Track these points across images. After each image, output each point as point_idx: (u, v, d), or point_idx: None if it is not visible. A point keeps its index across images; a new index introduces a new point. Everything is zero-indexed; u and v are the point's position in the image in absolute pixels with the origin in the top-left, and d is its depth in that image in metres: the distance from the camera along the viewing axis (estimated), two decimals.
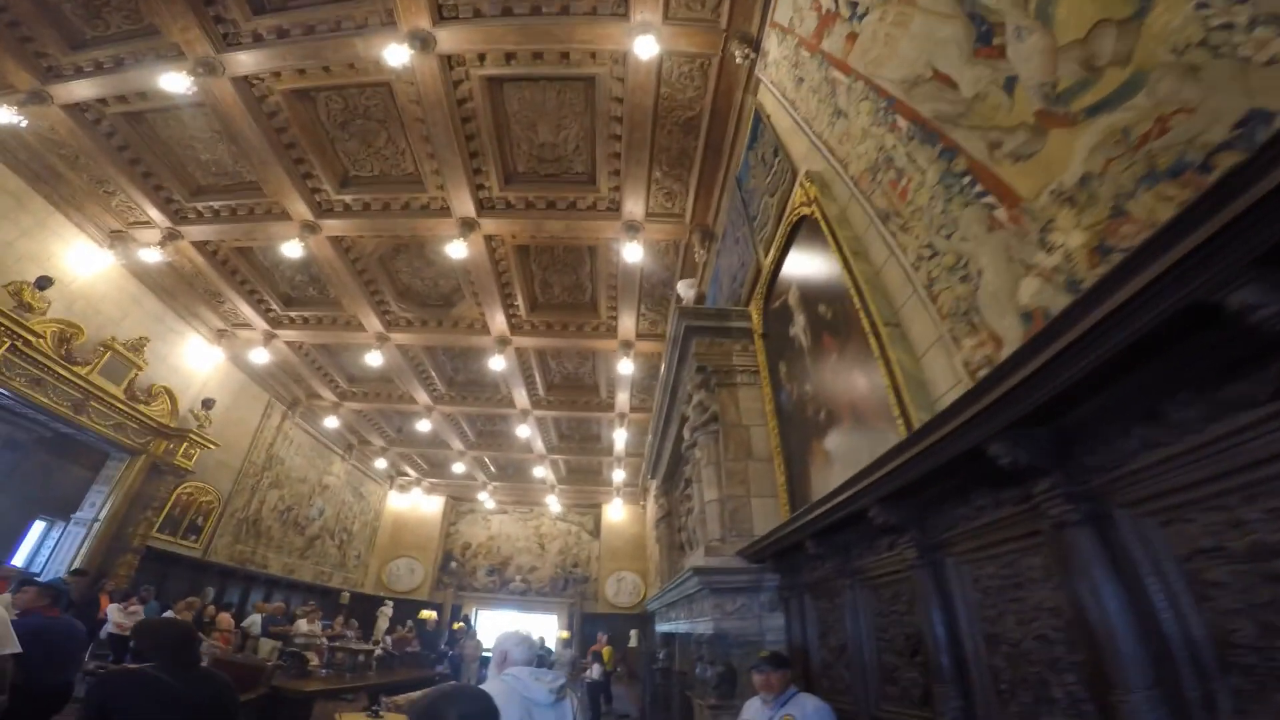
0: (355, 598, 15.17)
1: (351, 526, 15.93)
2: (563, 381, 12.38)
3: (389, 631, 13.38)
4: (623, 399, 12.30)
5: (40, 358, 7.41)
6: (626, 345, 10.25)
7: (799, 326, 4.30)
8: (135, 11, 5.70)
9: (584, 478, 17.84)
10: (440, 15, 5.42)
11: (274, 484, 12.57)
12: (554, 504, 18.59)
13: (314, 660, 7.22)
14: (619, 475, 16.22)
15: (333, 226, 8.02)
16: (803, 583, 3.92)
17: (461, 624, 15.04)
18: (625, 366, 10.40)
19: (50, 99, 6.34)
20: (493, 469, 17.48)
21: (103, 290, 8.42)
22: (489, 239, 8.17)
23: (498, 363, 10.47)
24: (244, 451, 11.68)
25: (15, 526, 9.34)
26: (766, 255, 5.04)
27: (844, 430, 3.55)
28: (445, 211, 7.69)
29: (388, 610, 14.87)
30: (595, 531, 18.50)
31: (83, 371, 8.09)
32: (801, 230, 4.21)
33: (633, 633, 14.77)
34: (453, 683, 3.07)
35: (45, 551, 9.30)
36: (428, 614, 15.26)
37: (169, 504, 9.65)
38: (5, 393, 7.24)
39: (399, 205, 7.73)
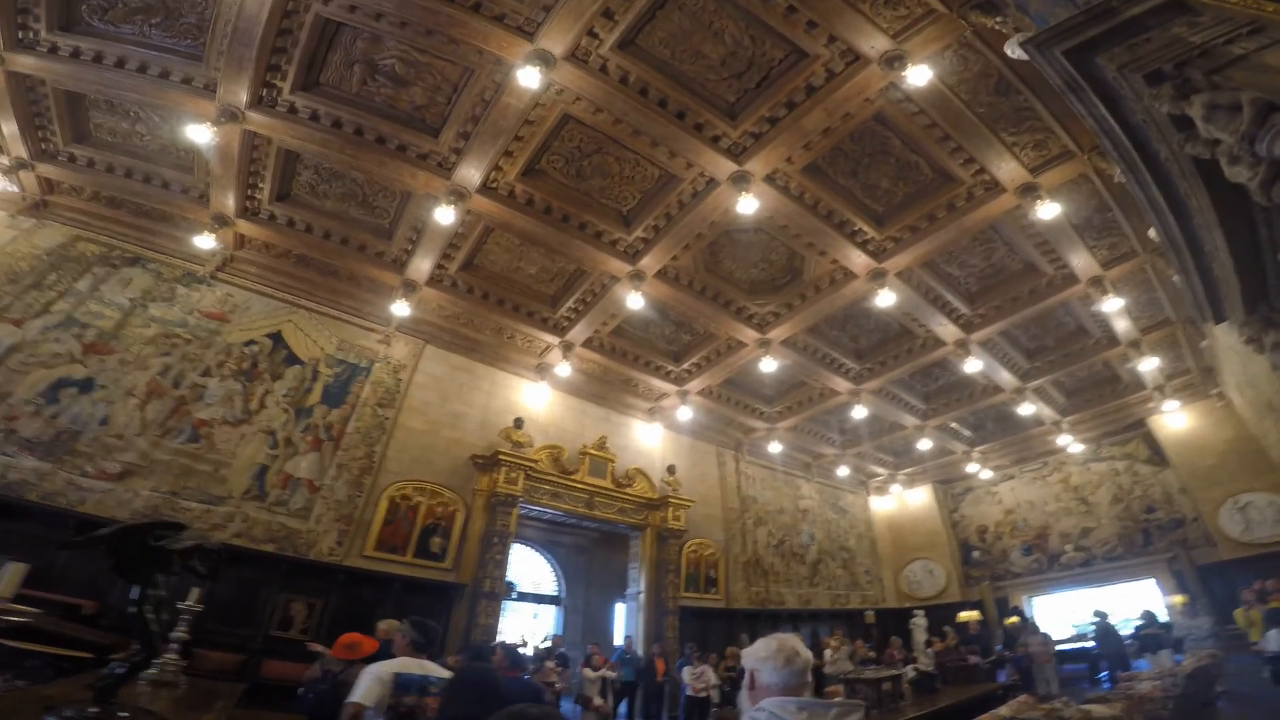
0: (880, 615, 13.93)
1: (847, 543, 15.00)
2: (982, 283, 8.95)
3: (928, 645, 11.26)
4: (1081, 261, 8.02)
5: (546, 475, 9.49)
6: (1027, 189, 6.84)
7: None
8: None
9: (1096, 393, 12.34)
10: None
11: (758, 522, 12.89)
12: (1071, 444, 13.39)
13: (836, 698, 5.99)
14: (1150, 365, 10.48)
15: (648, 265, 7.98)
16: None
17: (1015, 618, 11.65)
18: (1048, 211, 6.83)
19: (416, 285, 8.40)
20: (966, 432, 13.93)
21: (559, 413, 10.51)
22: (770, 178, 6.81)
23: (885, 299, 8.19)
24: (719, 500, 12.43)
25: (604, 612, 11.89)
26: None
27: None
28: (711, 181, 6.92)
29: (920, 620, 12.96)
30: (1156, 457, 12.43)
31: (578, 477, 10.00)
32: None
33: None
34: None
35: (626, 627, 11.49)
36: (967, 615, 12.65)
37: (683, 564, 10.74)
38: (539, 509, 9.40)
39: (675, 205, 7.36)
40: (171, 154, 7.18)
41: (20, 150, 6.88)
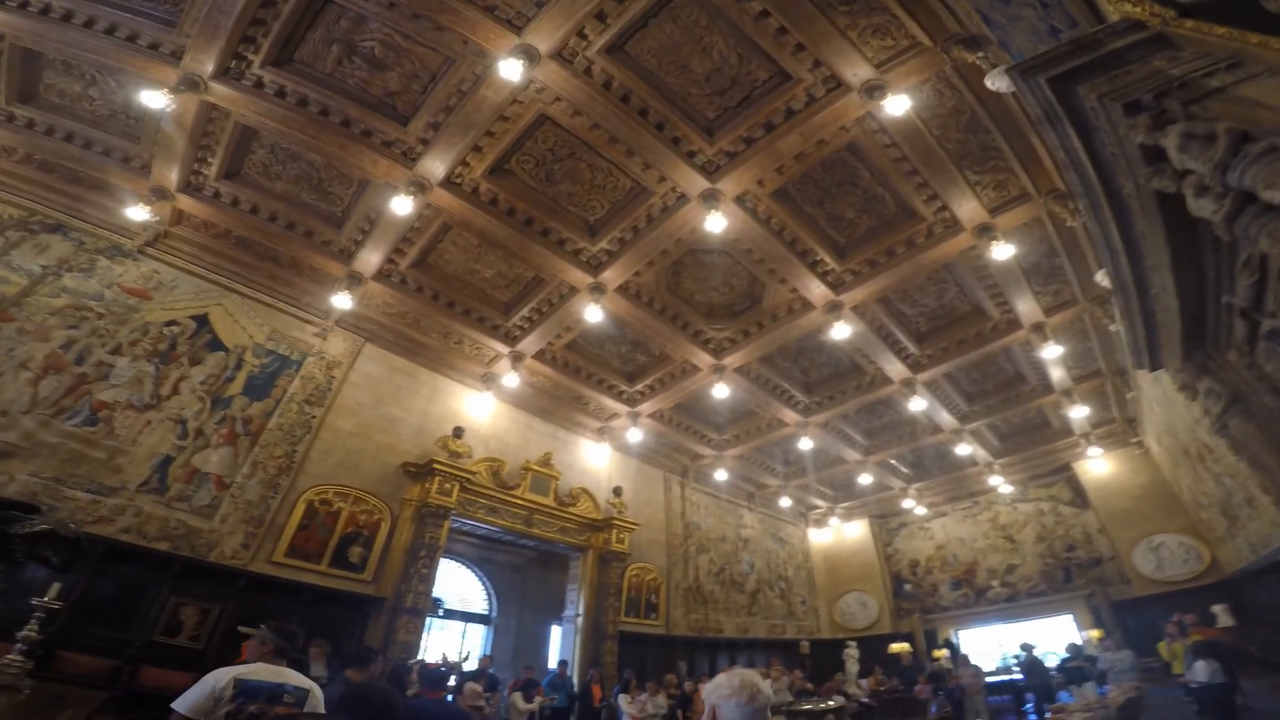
0: (815, 645, 13.99)
1: (785, 573, 15.04)
2: (932, 323, 9.32)
3: (862, 675, 11.29)
4: (1025, 306, 8.49)
5: (484, 489, 9.07)
6: (984, 229, 7.17)
7: None
8: None
9: (1028, 438, 13.14)
10: None
11: (700, 548, 12.74)
12: (1002, 485, 14.08)
13: None
14: (1079, 413, 11.28)
15: (610, 278, 7.96)
16: None
17: (944, 651, 11.86)
18: (1001, 252, 7.19)
19: (362, 278, 8.12)
20: (904, 469, 14.40)
21: (502, 426, 10.16)
22: (740, 199, 6.91)
23: (841, 332, 8.38)
24: (663, 525, 12.22)
25: (539, 633, 11.35)
26: None
27: None
28: (681, 196, 6.93)
29: (853, 651, 13.06)
30: (1079, 499, 13.27)
31: (518, 493, 9.61)
32: None
33: (1217, 609, 9.09)
34: None
35: (561, 651, 10.97)
36: (899, 647, 12.81)
37: (624, 589, 10.41)
38: (473, 523, 8.95)
39: (644, 219, 7.37)
40: (120, 121, 6.68)
41: None
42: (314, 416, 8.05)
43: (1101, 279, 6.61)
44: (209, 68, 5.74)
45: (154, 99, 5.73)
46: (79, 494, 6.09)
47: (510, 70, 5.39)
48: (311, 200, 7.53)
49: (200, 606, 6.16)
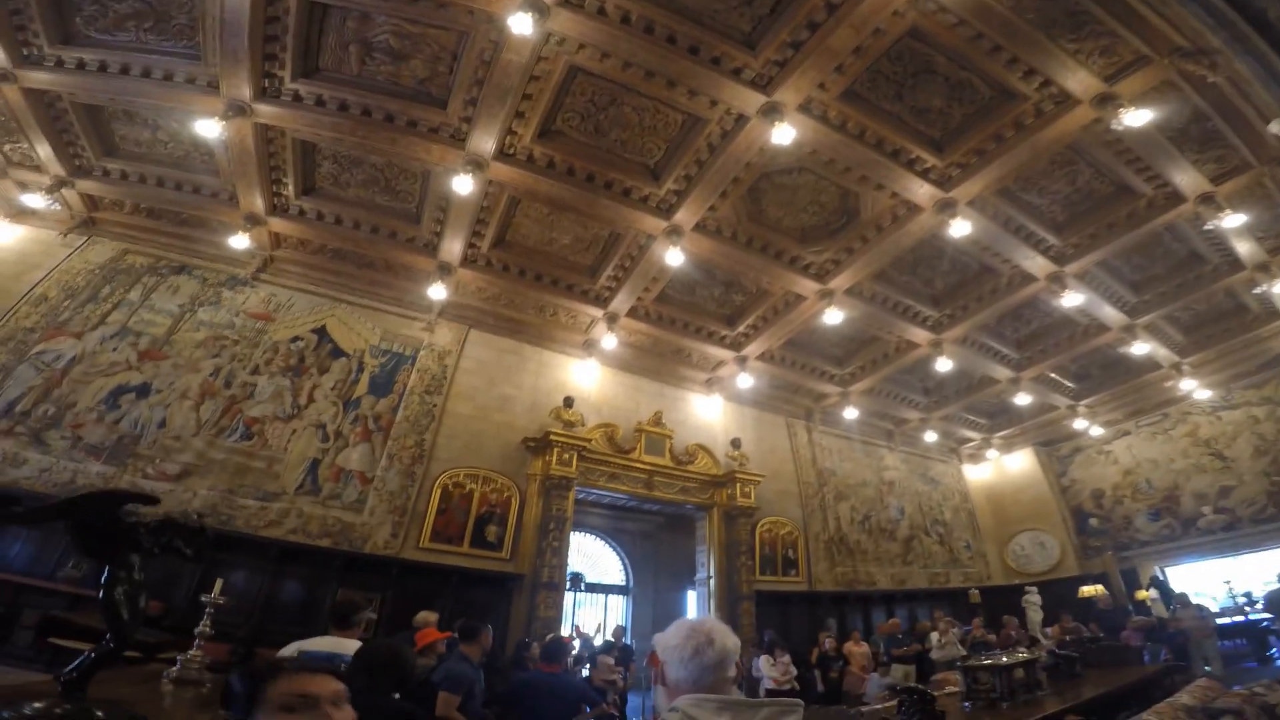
0: (986, 593, 12.35)
1: (942, 516, 13.51)
2: (1069, 211, 7.62)
3: (1047, 624, 9.86)
4: (1185, 177, 6.78)
5: (601, 455, 9.00)
6: (1105, 99, 5.72)
7: None
8: None
9: (1221, 328, 10.16)
10: None
11: (839, 497, 11.84)
12: (1196, 390, 11.17)
13: (950, 688, 5.02)
14: None
15: (684, 219, 7.28)
16: None
17: (1149, 591, 9.96)
18: (1136, 118, 5.61)
19: (451, 267, 8.14)
20: (1069, 383, 12.08)
21: (610, 390, 9.97)
22: (805, 107, 5.96)
23: (960, 229, 7.01)
24: (793, 475, 11.49)
25: (676, 600, 11.31)
26: None
27: None
28: (740, 117, 6.12)
29: (1034, 598, 11.24)
30: None
31: (634, 456, 9.42)
32: None
33: None
34: None
35: (698, 615, 10.85)
36: (1091, 590, 10.98)
37: (757, 545, 9.92)
38: (597, 491, 8.91)
39: (705, 150, 6.62)
40: (196, 159, 7.24)
41: (58, 169, 7.10)
42: (435, 405, 8.39)
43: (1278, 129, 4.88)
44: (246, 91, 5.93)
45: (207, 128, 6.02)
46: (249, 502, 6.80)
47: (521, 25, 4.93)
48: (385, 201, 7.69)
49: (365, 596, 6.66)
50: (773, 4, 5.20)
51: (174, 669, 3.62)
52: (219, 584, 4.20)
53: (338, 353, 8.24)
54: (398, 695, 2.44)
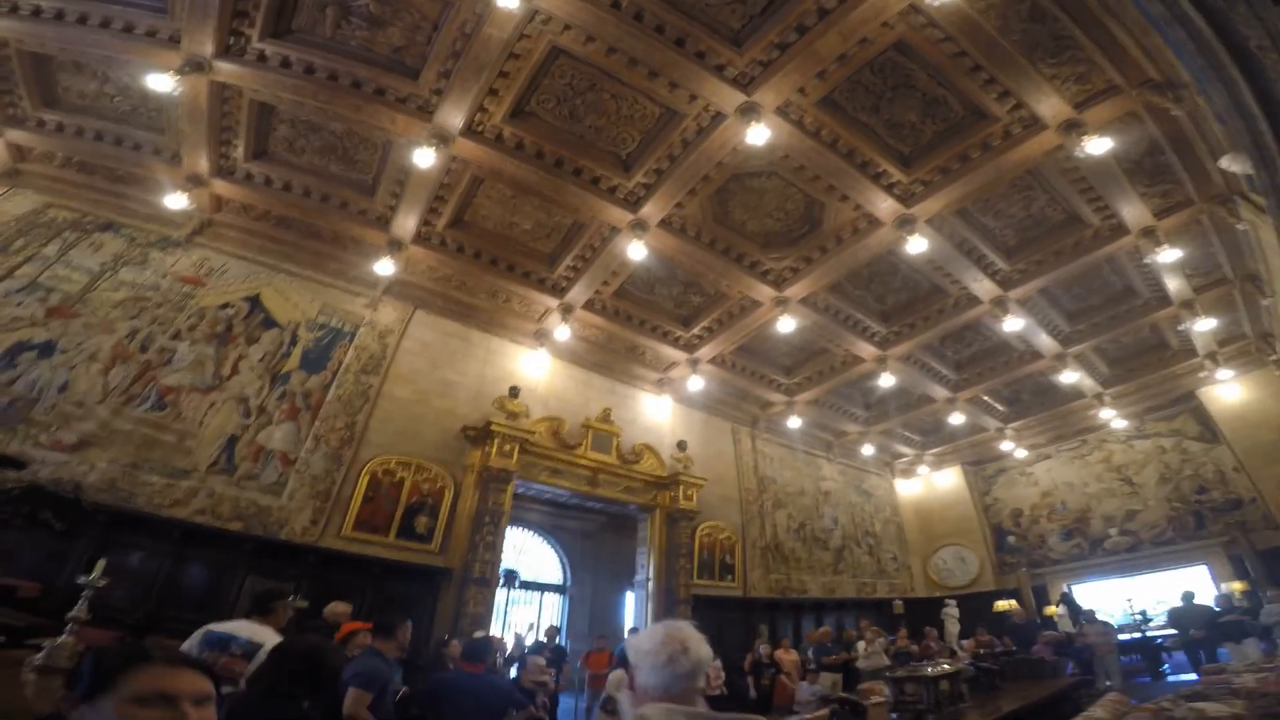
0: (910, 605, 12.95)
1: (872, 528, 14.05)
2: (1020, 235, 8.08)
3: (963, 636, 10.37)
4: (1131, 210, 7.25)
5: (544, 450, 8.78)
6: (1071, 125, 6.02)
7: None
8: None
9: (1142, 361, 11.24)
10: None
11: (777, 504, 12.06)
12: (1114, 419, 12.28)
13: (875, 698, 5.16)
14: (1204, 326, 9.39)
15: (650, 213, 7.20)
16: None
17: (1057, 607, 10.70)
18: (1097, 146, 5.96)
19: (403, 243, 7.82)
20: (1000, 406, 12.88)
21: (560, 384, 9.78)
22: (782, 110, 6.02)
23: (916, 246, 7.27)
24: (735, 481, 11.62)
25: (614, 601, 11.20)
26: None
27: None
28: (717, 115, 6.13)
29: (953, 610, 11.95)
30: (1207, 433, 11.28)
31: (579, 452, 9.26)
32: None
33: None
34: None
35: (635, 618, 10.75)
36: (1006, 604, 11.75)
37: (696, 549, 9.94)
38: (538, 487, 8.70)
39: (678, 144, 6.57)
40: (143, 115, 6.69)
41: None
42: (371, 386, 7.96)
43: (1228, 164, 5.29)
44: (209, 48, 5.59)
45: (161, 82, 5.60)
46: (155, 478, 6.23)
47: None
48: (340, 171, 7.30)
49: (279, 586, 6.19)
50: (765, 3, 5.23)
51: (38, 656, 3.24)
52: (101, 564, 3.81)
53: (270, 323, 7.68)
54: (316, 696, 2.24)
